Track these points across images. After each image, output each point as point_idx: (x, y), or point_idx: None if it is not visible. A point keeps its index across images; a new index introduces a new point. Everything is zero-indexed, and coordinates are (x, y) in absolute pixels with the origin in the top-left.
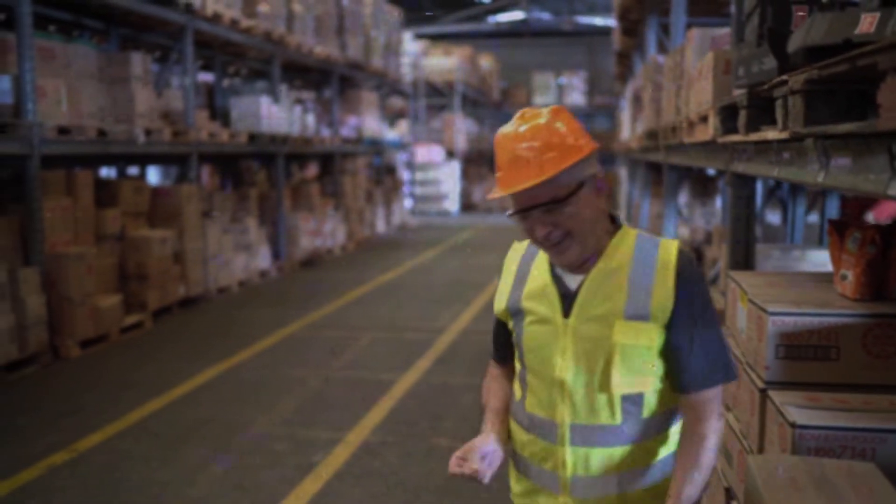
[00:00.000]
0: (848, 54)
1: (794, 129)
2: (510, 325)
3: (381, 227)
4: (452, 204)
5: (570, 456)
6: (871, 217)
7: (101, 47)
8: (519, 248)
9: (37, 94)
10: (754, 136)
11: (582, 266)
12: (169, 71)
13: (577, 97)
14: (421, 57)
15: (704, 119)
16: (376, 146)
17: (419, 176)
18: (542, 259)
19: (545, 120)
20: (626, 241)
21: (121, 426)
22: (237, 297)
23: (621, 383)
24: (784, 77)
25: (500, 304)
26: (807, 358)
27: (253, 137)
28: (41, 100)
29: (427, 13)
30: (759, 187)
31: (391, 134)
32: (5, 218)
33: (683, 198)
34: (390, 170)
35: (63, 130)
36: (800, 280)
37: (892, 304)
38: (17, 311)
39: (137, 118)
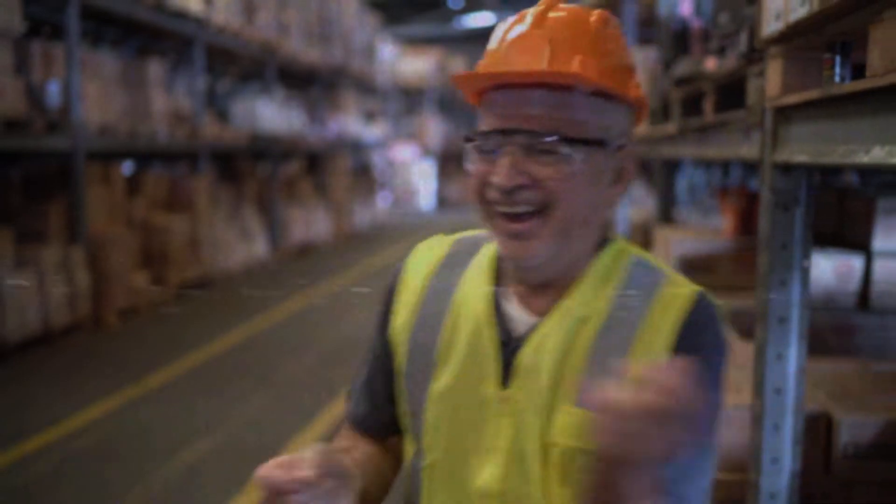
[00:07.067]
0: (695, 83)
1: (679, 124)
2: (401, 378)
3: (362, 221)
4: (428, 200)
5: None
6: None
7: (117, 53)
8: (434, 250)
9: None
10: (659, 130)
11: (542, 299)
12: (173, 73)
13: None
14: (395, 59)
15: None
16: (357, 145)
17: (395, 174)
18: (479, 275)
19: (594, 18)
20: (615, 269)
21: (176, 372)
22: (242, 280)
23: None
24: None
25: (394, 335)
26: (698, 269)
27: (252, 137)
28: (83, 102)
29: (399, 15)
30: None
31: (370, 134)
32: (55, 205)
33: (640, 187)
34: (368, 168)
35: (101, 130)
36: (698, 225)
37: (751, 239)
38: (69, 284)
39: (154, 119)
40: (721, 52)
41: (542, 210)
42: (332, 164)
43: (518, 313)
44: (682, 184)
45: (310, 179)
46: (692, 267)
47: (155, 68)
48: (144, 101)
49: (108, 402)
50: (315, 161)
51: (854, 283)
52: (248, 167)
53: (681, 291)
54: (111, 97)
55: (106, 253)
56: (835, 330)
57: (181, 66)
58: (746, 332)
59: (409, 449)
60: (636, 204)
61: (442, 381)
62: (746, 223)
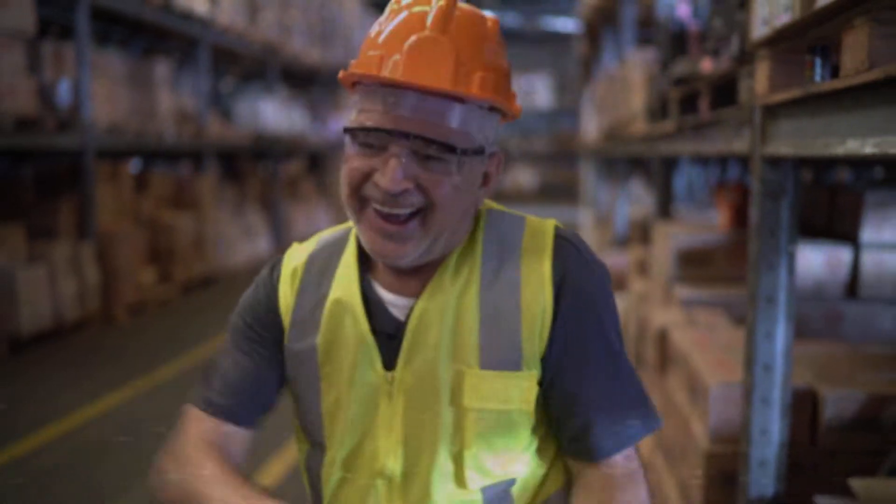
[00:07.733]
0: (692, 83)
1: (677, 122)
2: (289, 368)
3: None
4: None
5: None
6: None
7: (124, 53)
8: (300, 252)
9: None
10: (658, 128)
11: (414, 280)
12: (178, 73)
13: (543, 97)
14: None
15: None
16: None
17: None
18: (348, 271)
19: (490, 25)
20: (478, 232)
21: (183, 366)
22: (245, 276)
23: (482, 471)
24: (671, 92)
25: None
26: (695, 261)
27: (255, 136)
28: (92, 102)
29: None
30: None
31: None
32: (66, 202)
33: (639, 186)
34: None
35: (109, 129)
36: (695, 220)
37: (746, 231)
38: (79, 279)
39: (161, 119)
40: (716, 53)
41: (419, 212)
42: (333, 163)
43: (391, 297)
44: (680, 181)
45: (311, 178)
46: (689, 259)
47: (161, 68)
48: (151, 101)
49: (117, 395)
50: (316, 160)
51: (843, 273)
52: (251, 166)
53: (543, 237)
54: (119, 97)
55: (114, 249)
56: (824, 317)
57: (186, 66)
58: (740, 319)
59: (301, 444)
60: (635, 201)
61: (331, 381)
62: (741, 217)
